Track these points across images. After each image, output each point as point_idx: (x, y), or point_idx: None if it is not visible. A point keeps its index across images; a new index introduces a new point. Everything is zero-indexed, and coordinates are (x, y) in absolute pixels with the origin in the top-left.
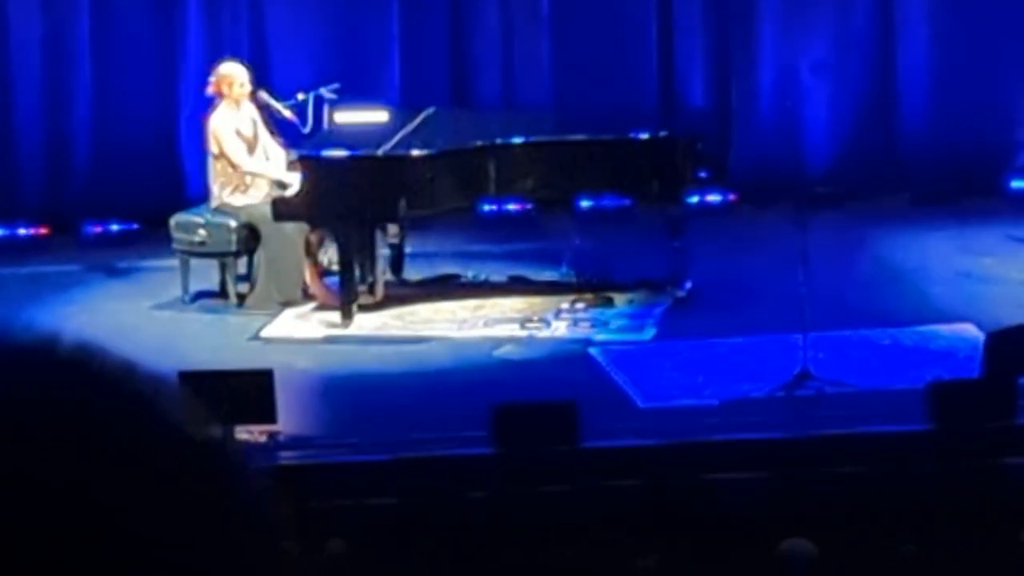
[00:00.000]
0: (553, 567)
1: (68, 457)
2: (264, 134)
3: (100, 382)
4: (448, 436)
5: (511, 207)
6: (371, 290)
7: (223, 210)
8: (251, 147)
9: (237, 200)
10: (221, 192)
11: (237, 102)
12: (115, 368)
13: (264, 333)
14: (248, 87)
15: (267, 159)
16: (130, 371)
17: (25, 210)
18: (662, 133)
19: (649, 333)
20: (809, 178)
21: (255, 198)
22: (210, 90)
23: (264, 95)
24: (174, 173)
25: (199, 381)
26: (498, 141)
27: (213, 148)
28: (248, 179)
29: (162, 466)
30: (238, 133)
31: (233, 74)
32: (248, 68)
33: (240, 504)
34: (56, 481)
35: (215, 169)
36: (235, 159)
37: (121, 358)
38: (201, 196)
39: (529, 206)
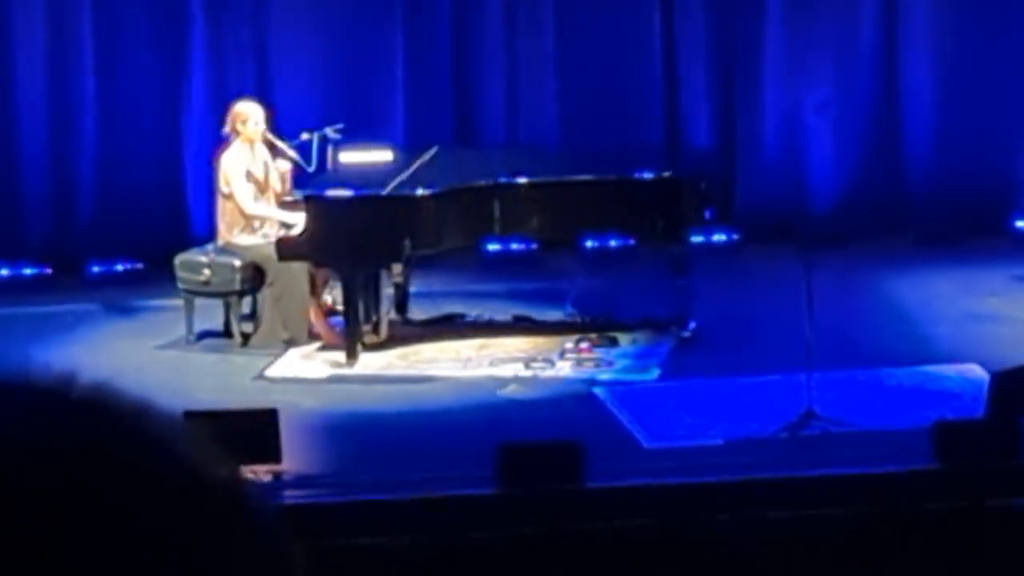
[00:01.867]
0: None
1: (82, 496)
2: (274, 177)
3: (116, 421)
4: (453, 476)
5: (515, 247)
6: (375, 329)
7: (228, 249)
8: (262, 189)
9: (244, 240)
10: (228, 231)
11: (250, 142)
12: (131, 407)
13: (268, 372)
14: (262, 126)
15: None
16: (146, 411)
17: (30, 249)
18: (666, 173)
19: (654, 373)
20: (813, 218)
21: (262, 238)
22: (226, 129)
23: (269, 135)
24: (179, 213)
25: (203, 421)
26: (502, 181)
27: (223, 187)
28: (256, 221)
29: (177, 506)
30: (249, 174)
31: (247, 112)
32: (264, 108)
33: (256, 544)
34: (70, 520)
35: (224, 208)
36: (241, 202)
37: (137, 397)
38: (205, 236)
39: (533, 246)
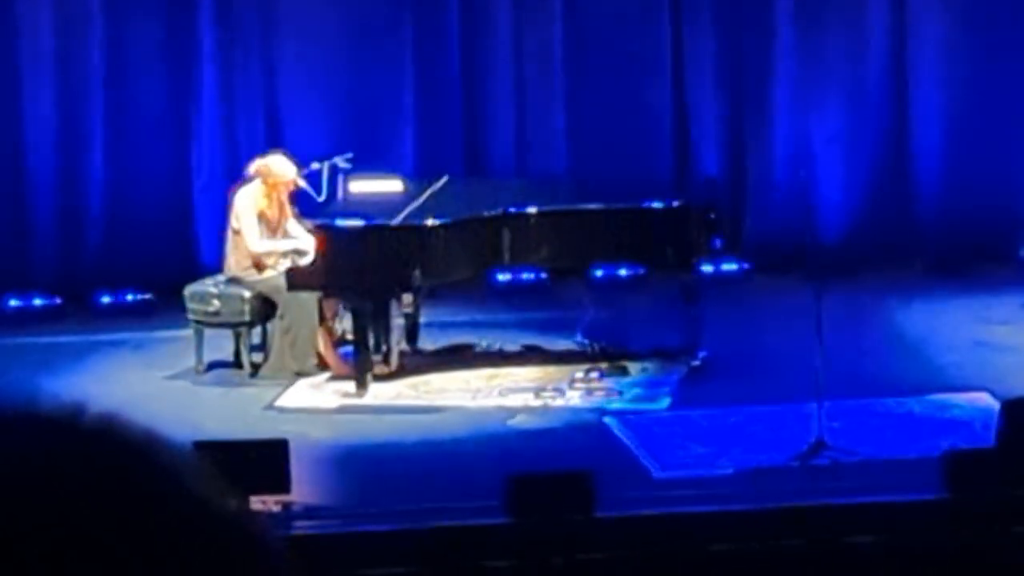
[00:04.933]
0: None
1: (90, 526)
2: (289, 212)
3: (122, 451)
4: (463, 506)
5: (525, 276)
6: (385, 360)
7: (236, 281)
8: (274, 229)
9: (251, 276)
10: (238, 266)
11: (269, 193)
12: (137, 438)
13: (278, 403)
14: (291, 188)
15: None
16: (152, 441)
17: (39, 280)
18: (676, 202)
19: (664, 402)
20: (823, 247)
21: (270, 275)
22: (251, 171)
23: (298, 180)
24: (188, 244)
25: (213, 451)
26: (512, 210)
27: (234, 223)
28: (264, 259)
29: (183, 536)
30: (262, 215)
31: (282, 172)
32: (296, 164)
33: (261, 575)
34: (77, 550)
35: (233, 242)
36: (247, 239)
37: (143, 428)
38: (214, 266)
39: (543, 275)
